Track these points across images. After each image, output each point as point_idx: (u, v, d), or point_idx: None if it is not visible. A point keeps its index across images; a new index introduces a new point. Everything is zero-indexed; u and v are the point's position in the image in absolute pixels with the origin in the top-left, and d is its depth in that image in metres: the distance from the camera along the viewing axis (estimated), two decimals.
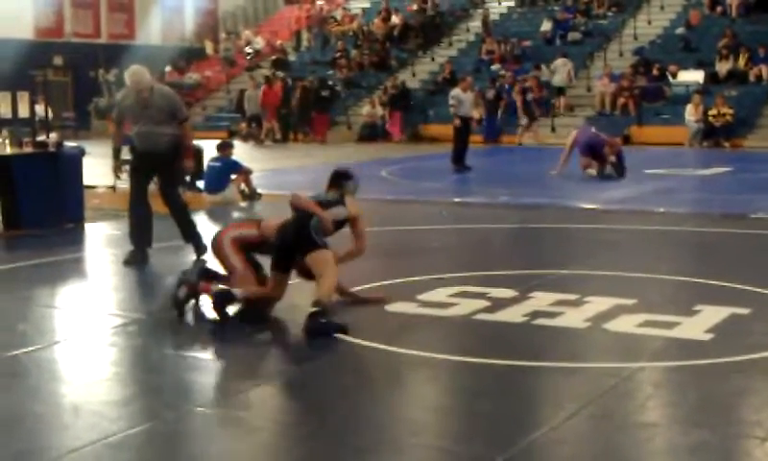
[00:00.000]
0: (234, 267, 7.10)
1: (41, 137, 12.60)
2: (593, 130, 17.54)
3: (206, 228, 12.07)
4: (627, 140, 24.05)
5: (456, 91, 19.08)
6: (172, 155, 9.08)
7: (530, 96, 26.11)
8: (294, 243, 6.69)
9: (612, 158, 16.46)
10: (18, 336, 6.51)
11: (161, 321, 6.92)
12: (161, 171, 9.19)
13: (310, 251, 6.57)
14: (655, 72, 26.73)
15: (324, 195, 7.13)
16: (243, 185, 13.94)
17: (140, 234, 9.19)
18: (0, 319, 7.04)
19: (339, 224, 6.97)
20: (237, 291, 6.76)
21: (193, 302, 6.94)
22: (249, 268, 7.11)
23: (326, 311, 6.39)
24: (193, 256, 8.81)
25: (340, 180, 7.30)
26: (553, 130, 26.04)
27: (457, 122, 18.61)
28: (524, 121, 25.73)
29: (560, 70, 27.86)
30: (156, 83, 9.21)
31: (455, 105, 18.73)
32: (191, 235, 9.37)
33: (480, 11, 33.28)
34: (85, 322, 6.98)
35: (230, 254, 7.14)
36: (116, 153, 9.61)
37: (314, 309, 6.33)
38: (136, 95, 9.00)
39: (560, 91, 27.68)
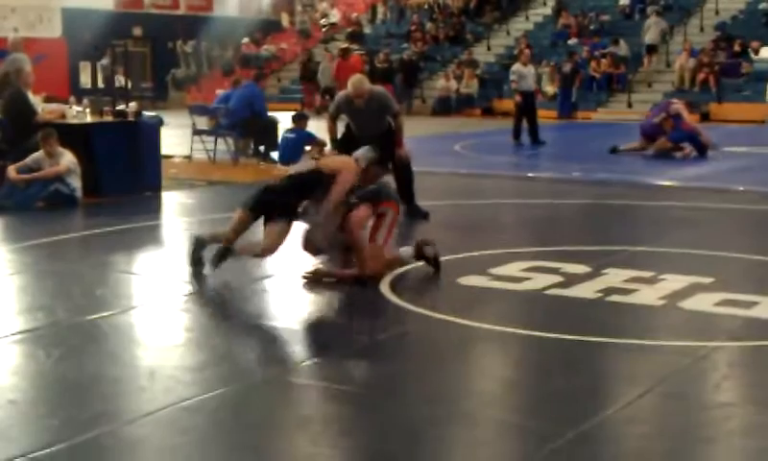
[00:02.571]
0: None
1: (121, 107, 12.79)
2: (671, 107, 16.76)
3: None
4: (706, 117, 23.63)
5: (516, 66, 18.97)
6: (386, 139, 9.68)
7: None
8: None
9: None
10: (96, 301, 6.65)
11: (236, 289, 7.00)
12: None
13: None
14: (736, 48, 26.16)
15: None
16: (317, 157, 13.99)
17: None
18: (79, 284, 7.18)
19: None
20: None
21: None
22: None
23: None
24: None
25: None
26: (630, 105, 25.67)
27: (517, 98, 18.50)
28: None
29: (652, 28, 27.49)
30: (373, 87, 9.96)
31: (516, 80, 18.62)
32: (408, 197, 9.89)
33: None
34: (161, 288, 7.09)
35: None
36: (333, 142, 10.07)
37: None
38: (355, 100, 9.61)
39: (650, 49, 27.32)
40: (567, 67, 26.23)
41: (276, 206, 7.09)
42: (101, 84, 22.82)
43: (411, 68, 29.06)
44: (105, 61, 28.46)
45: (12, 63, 13.31)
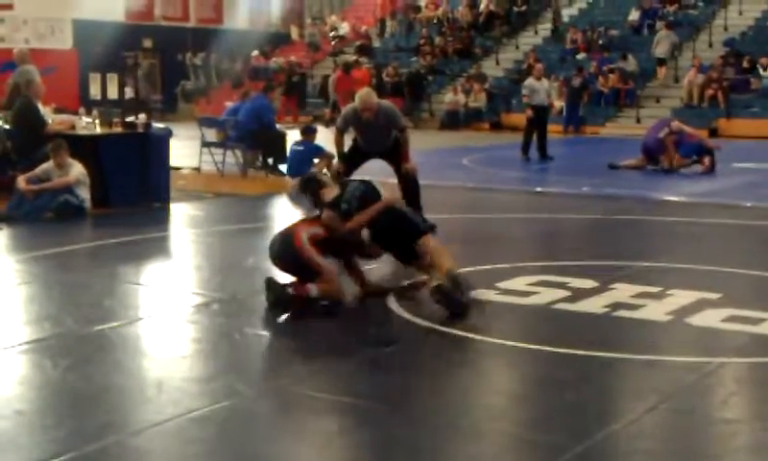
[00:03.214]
0: (320, 265, 6.78)
1: (130, 118, 12.84)
2: (672, 124, 16.74)
3: (289, 211, 12.22)
4: (714, 133, 23.61)
5: (529, 80, 18.98)
6: (392, 152, 9.87)
7: None
8: (397, 239, 6.85)
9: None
10: (104, 311, 6.67)
11: (243, 300, 7.02)
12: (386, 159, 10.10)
13: (417, 238, 6.74)
14: (745, 64, 26.16)
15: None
16: (325, 170, 14.02)
17: None
18: (87, 294, 7.21)
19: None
20: (312, 288, 6.74)
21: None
22: (332, 263, 6.89)
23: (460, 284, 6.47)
24: None
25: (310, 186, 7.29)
26: (638, 121, 25.66)
27: (529, 112, 18.50)
28: None
29: (662, 42, 27.55)
30: (380, 101, 9.99)
31: (527, 94, 18.62)
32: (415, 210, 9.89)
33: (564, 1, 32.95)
34: (169, 299, 7.11)
35: (314, 255, 6.79)
36: (340, 155, 10.10)
37: (448, 283, 6.41)
38: (363, 114, 9.57)
39: (661, 62, 27.36)
40: (577, 82, 26.25)
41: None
42: (127, 96, 22.96)
43: (417, 81, 29.12)
44: (140, 73, 28.60)
45: (22, 75, 13.36)
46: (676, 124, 16.58)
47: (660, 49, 27.66)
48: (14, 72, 13.88)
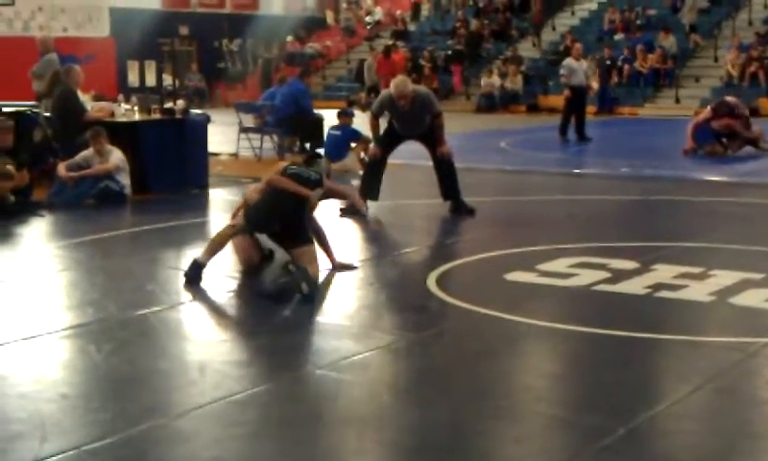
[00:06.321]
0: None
1: (168, 105, 12.90)
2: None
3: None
4: (755, 112, 23.29)
5: (568, 60, 18.80)
6: (428, 136, 9.98)
7: None
8: (287, 227, 7.14)
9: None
10: (147, 296, 6.72)
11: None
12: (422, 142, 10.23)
13: (301, 244, 7.02)
14: None
15: (306, 172, 7.38)
16: (362, 154, 14.00)
17: (368, 187, 10.08)
18: (129, 279, 7.26)
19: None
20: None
21: None
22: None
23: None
24: None
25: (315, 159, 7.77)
26: (677, 101, 25.38)
27: (567, 93, 18.32)
28: None
29: (690, 8, 27.29)
30: (416, 87, 10.11)
31: (566, 74, 18.43)
32: (453, 193, 10.03)
33: None
34: (209, 284, 7.13)
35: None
36: (376, 139, 10.20)
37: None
38: (398, 101, 9.63)
39: (693, 29, 27.07)
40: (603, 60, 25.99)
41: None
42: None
43: (477, 43, 29.10)
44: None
45: (50, 64, 13.35)
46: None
47: (689, 17, 27.40)
48: (40, 62, 13.76)
